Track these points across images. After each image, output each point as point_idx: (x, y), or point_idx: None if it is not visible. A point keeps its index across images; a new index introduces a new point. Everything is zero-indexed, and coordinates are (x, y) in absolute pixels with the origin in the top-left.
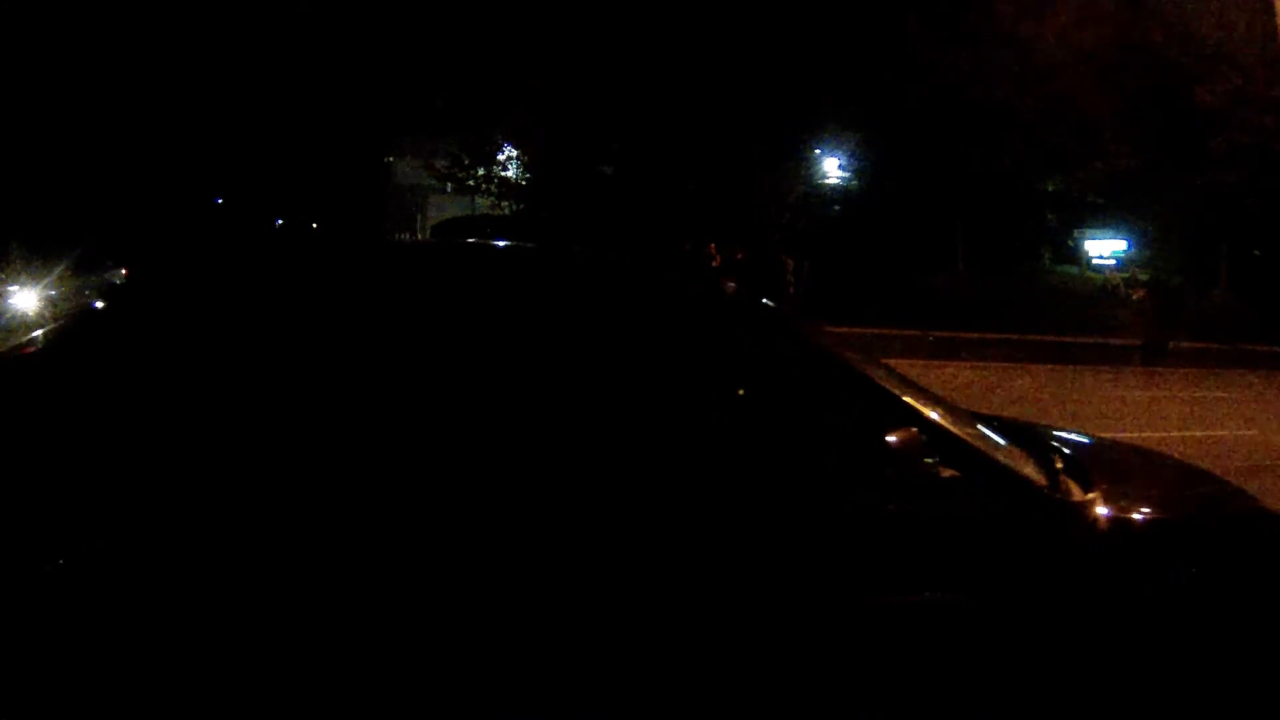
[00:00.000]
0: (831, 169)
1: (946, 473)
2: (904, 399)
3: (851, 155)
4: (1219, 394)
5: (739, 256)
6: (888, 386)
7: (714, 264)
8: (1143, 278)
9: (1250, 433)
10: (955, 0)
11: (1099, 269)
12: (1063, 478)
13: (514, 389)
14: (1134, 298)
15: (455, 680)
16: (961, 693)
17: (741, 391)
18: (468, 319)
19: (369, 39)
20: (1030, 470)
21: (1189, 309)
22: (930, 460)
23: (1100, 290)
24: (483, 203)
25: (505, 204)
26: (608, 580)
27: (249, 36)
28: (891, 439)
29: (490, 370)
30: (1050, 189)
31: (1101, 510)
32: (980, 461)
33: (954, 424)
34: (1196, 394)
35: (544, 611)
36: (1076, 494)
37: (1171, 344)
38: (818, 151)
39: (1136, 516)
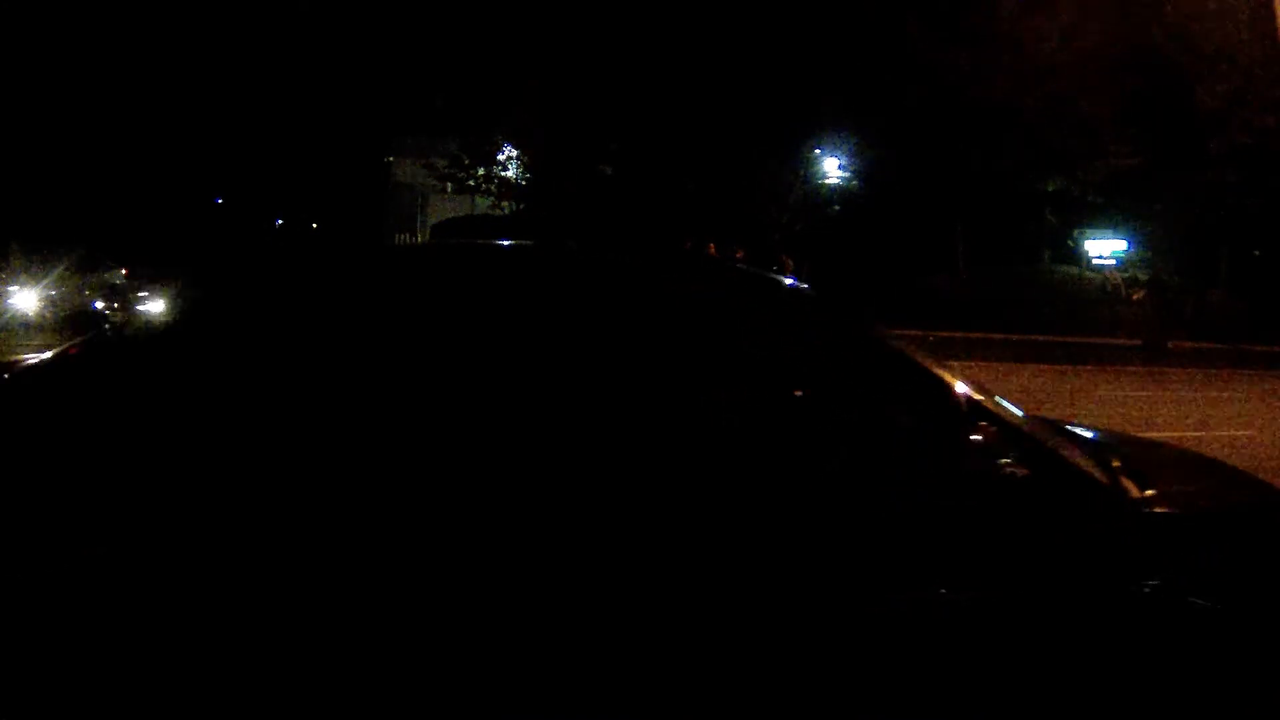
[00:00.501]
0: (831, 169)
1: (1021, 472)
2: (977, 397)
3: (851, 155)
4: (1218, 394)
5: (738, 256)
6: (964, 387)
7: None
8: (1142, 278)
9: (1249, 433)
10: (955, 0)
11: (1099, 269)
12: (1122, 477)
13: (609, 387)
14: (1134, 298)
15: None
16: (1039, 684)
17: (803, 392)
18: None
19: (369, 39)
20: (1094, 469)
21: (1189, 309)
22: (1006, 459)
23: (1100, 290)
24: (482, 203)
25: (505, 204)
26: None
27: (249, 37)
28: (973, 437)
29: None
30: (1050, 189)
31: (1160, 509)
32: (1054, 461)
33: (1026, 423)
34: (1195, 394)
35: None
36: (1134, 492)
37: (1171, 344)
38: (818, 151)
39: (1193, 514)
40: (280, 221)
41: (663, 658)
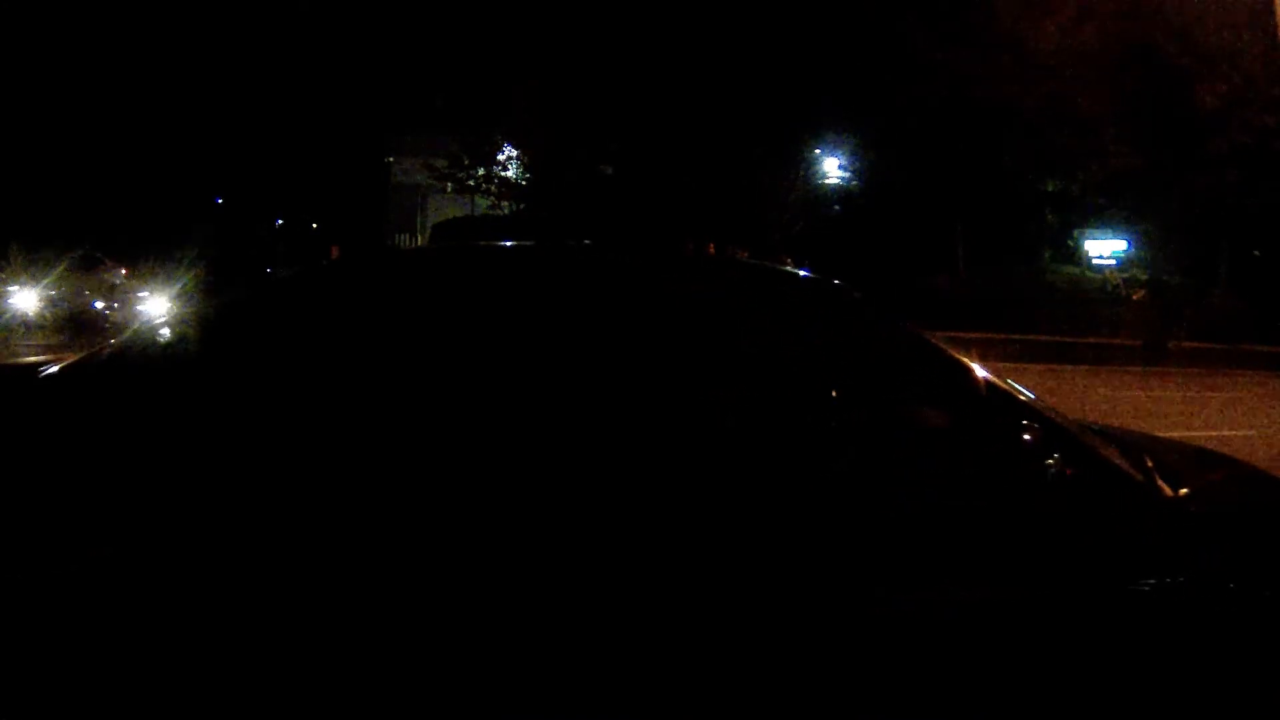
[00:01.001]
0: (831, 169)
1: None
2: (1023, 398)
3: (852, 155)
4: (1219, 394)
5: (741, 256)
6: (1008, 388)
7: None
8: (1142, 277)
9: (1249, 433)
10: (955, 0)
11: (1099, 269)
12: (1155, 476)
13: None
14: (1134, 298)
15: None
16: (1087, 677)
17: (840, 390)
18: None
19: (369, 39)
20: (1132, 469)
21: (1189, 309)
22: (1052, 459)
23: (1100, 290)
24: (482, 203)
25: (505, 204)
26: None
27: (249, 36)
28: (1024, 437)
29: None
30: (1050, 189)
31: (1196, 508)
32: (1097, 461)
33: (1069, 423)
34: (1196, 394)
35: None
36: (1168, 491)
37: (1171, 344)
38: (818, 151)
39: (1226, 513)
40: (280, 221)
41: (705, 656)
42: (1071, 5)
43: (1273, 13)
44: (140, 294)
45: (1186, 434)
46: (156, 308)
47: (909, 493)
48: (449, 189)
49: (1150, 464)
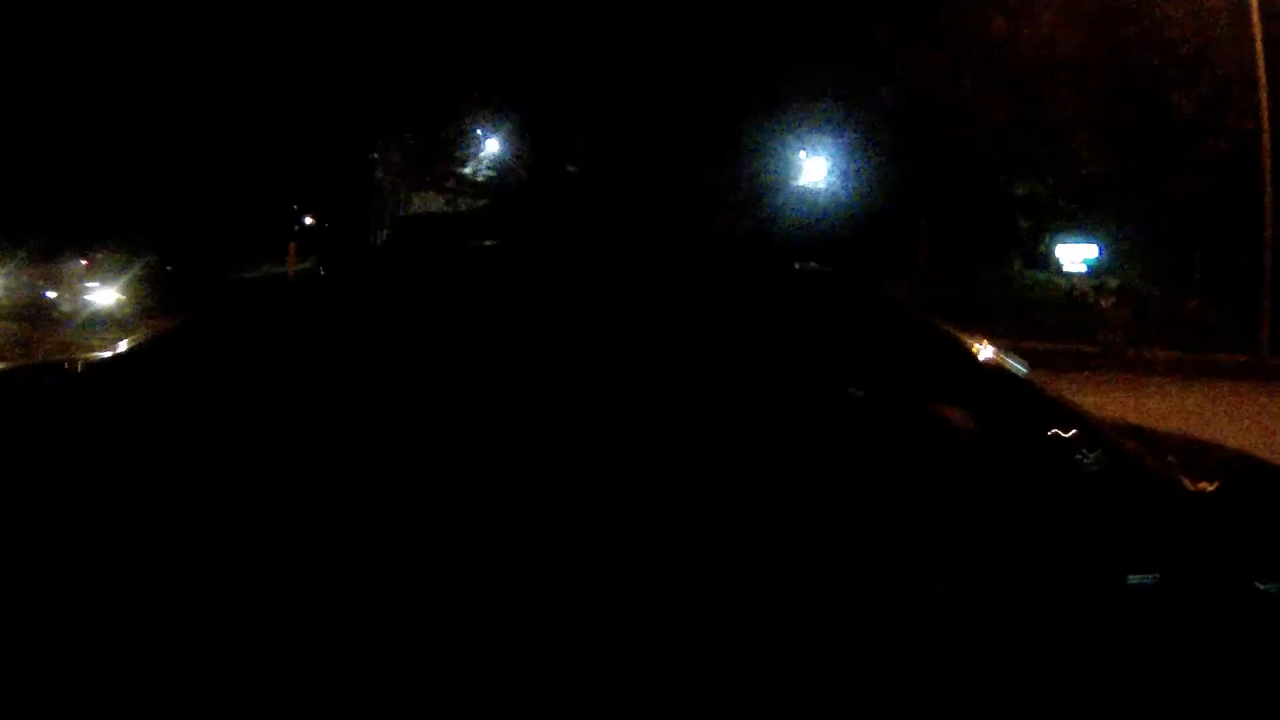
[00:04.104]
0: (794, 168)
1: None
2: (1052, 394)
3: (809, 154)
4: (1189, 403)
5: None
6: (1038, 386)
7: None
8: (1113, 284)
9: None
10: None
11: (1069, 275)
12: (1177, 471)
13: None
14: (1103, 304)
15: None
16: (1112, 675)
17: (861, 388)
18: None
19: (360, 37)
20: (1157, 465)
21: (1161, 316)
22: (1083, 454)
23: (1067, 297)
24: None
25: (467, 201)
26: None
27: (243, 36)
28: (1055, 433)
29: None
30: (1022, 193)
31: (1217, 503)
32: (1125, 457)
33: (1097, 420)
34: (1166, 403)
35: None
36: (1190, 485)
37: (1130, 351)
38: (779, 152)
39: (1247, 508)
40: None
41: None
42: (1047, 9)
43: (1248, 19)
44: (89, 284)
45: None
46: (105, 298)
47: (932, 487)
48: (429, 184)
49: (1171, 459)
